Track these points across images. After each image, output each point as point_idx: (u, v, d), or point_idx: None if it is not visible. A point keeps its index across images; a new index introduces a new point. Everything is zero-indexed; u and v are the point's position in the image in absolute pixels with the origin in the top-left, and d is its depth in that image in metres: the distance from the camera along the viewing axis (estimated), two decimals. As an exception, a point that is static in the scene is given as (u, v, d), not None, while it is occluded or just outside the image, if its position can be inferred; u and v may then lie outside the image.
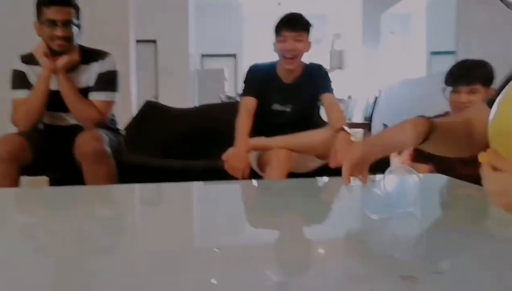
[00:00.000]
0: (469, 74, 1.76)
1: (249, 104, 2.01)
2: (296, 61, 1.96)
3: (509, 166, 0.55)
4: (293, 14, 1.97)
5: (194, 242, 0.68)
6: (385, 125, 6.51)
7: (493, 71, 1.77)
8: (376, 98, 5.11)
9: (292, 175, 1.87)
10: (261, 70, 2.10)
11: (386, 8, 7.06)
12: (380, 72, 7.57)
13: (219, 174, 1.89)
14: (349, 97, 5.92)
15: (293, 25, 1.92)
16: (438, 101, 1.93)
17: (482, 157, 0.56)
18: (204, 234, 0.72)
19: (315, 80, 2.03)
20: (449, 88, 1.81)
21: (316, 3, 9.42)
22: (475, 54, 4.24)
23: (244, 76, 2.12)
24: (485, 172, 0.56)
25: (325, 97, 1.99)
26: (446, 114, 1.88)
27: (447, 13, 4.96)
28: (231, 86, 9.51)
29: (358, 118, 6.13)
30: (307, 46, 1.98)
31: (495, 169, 0.55)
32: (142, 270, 0.53)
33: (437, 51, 5.74)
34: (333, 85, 2.07)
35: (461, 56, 4.62)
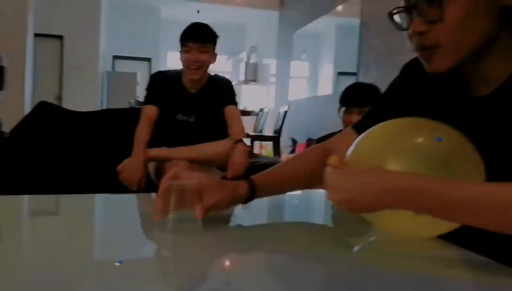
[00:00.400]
0: (359, 97, 1.90)
1: (150, 113, 1.95)
2: (200, 72, 1.95)
3: (349, 168, 0.60)
4: (199, 24, 1.96)
5: (89, 256, 0.63)
6: (293, 139, 6.79)
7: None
8: (285, 113, 5.30)
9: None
10: (165, 78, 2.06)
11: (300, 27, 7.41)
12: (291, 87, 7.90)
13: (116, 184, 1.79)
14: (261, 110, 6.07)
15: (198, 36, 1.91)
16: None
17: (330, 159, 0.61)
18: (97, 249, 0.68)
19: (219, 92, 2.03)
20: (343, 108, 1.94)
21: (235, 14, 9.54)
22: (373, 77, 4.62)
23: (147, 83, 2.06)
24: (326, 170, 0.61)
25: (227, 109, 2.00)
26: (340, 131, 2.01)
27: (352, 38, 5.35)
28: (144, 91, 9.21)
29: (269, 131, 6.30)
30: (212, 57, 1.98)
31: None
32: (28, 288, 0.48)
33: (343, 72, 6.15)
34: (237, 98, 2.10)
35: (361, 78, 5.01)
